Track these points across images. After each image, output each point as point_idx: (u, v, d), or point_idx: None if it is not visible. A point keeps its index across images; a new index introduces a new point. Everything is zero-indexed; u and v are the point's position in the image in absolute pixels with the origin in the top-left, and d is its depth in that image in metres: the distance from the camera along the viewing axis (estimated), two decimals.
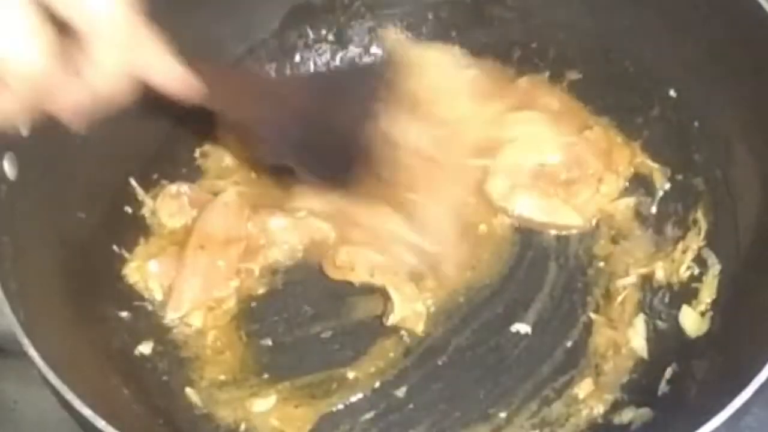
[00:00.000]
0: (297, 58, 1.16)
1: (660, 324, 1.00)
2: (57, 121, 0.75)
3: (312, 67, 1.16)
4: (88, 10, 0.72)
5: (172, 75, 0.82)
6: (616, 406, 0.95)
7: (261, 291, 1.04)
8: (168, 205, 1.07)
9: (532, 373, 0.98)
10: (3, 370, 1.05)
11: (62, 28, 0.71)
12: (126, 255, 1.03)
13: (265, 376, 0.99)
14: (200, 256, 1.02)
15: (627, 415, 0.94)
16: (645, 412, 0.93)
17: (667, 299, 1.01)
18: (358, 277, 1.02)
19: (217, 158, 1.12)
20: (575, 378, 0.97)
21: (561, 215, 1.06)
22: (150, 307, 1.02)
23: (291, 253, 1.06)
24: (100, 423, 0.75)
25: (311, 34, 1.16)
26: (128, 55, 0.75)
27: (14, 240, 0.84)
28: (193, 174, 1.11)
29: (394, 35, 1.16)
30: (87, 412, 0.75)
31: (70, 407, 0.76)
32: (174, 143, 1.10)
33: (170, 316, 1.01)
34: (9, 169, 0.86)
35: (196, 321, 1.01)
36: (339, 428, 0.96)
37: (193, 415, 0.96)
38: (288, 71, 1.16)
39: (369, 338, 1.01)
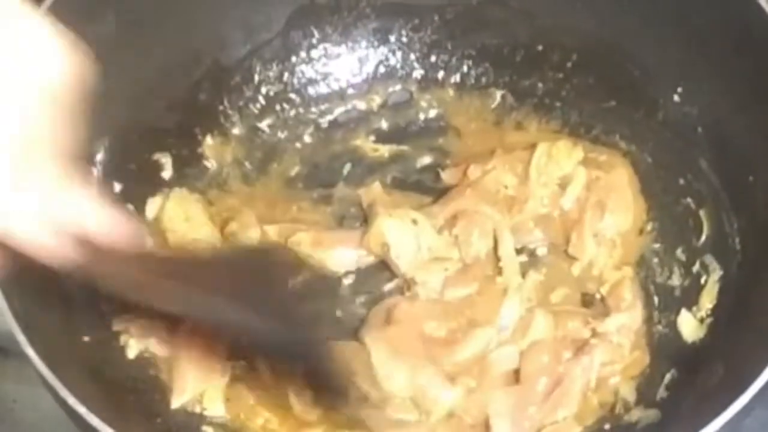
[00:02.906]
0: (301, 58, 1.16)
1: (660, 329, 1.00)
2: None
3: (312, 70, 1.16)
4: None
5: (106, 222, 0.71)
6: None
7: None
8: None
9: None
10: (3, 370, 1.06)
11: None
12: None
13: None
14: (195, 341, 0.96)
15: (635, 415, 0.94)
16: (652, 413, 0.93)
17: (666, 304, 1.01)
18: None
19: None
20: None
21: None
22: None
23: None
24: (95, 420, 0.75)
25: (316, 35, 1.16)
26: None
27: None
28: None
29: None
30: (82, 409, 0.75)
31: (67, 406, 0.77)
32: None
33: (175, 404, 0.95)
34: None
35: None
36: None
37: (191, 413, 0.96)
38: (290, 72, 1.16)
39: None
